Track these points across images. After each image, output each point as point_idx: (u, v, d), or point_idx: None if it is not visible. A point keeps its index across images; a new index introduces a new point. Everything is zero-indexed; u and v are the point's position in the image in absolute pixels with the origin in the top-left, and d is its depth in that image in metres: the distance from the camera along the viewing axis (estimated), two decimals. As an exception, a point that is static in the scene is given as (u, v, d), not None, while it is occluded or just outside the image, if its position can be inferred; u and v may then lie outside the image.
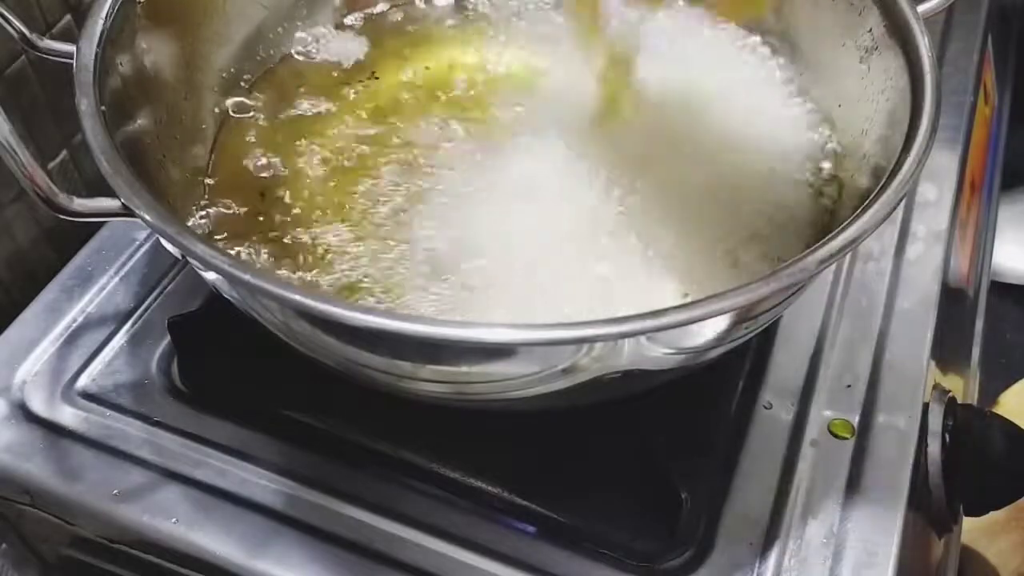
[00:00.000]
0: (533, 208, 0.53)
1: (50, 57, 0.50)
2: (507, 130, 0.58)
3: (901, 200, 0.42)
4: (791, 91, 0.59)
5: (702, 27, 0.62)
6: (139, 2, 0.50)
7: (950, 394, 0.56)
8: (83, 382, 0.55)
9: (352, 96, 0.61)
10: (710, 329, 0.41)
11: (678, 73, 0.59)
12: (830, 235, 0.40)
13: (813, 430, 0.53)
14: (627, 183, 0.53)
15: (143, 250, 0.61)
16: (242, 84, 0.60)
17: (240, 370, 0.54)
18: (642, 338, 0.38)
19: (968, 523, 0.63)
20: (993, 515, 0.56)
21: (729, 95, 0.58)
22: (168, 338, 0.56)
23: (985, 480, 0.53)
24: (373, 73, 0.62)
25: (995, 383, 0.89)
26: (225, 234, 0.53)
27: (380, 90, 0.61)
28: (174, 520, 0.49)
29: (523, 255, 0.50)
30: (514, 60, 0.63)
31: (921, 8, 0.50)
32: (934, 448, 0.53)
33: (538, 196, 0.53)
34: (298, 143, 0.57)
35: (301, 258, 0.51)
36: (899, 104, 0.47)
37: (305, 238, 0.52)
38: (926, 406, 0.54)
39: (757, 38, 0.61)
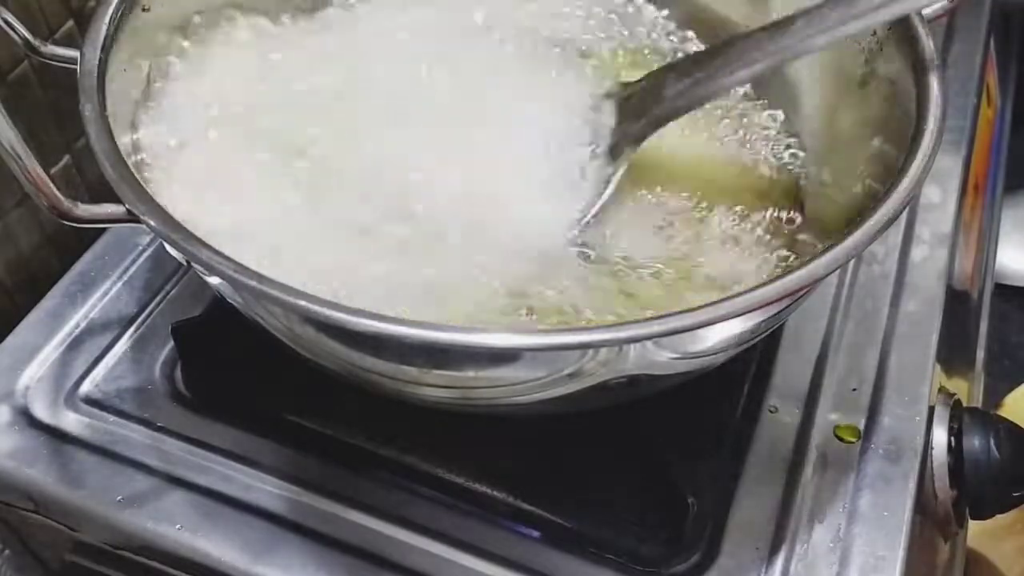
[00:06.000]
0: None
1: (53, 62, 0.50)
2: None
3: (908, 203, 0.41)
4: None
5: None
6: (144, 8, 0.50)
7: (955, 397, 0.56)
8: (86, 388, 0.55)
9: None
10: (716, 333, 0.41)
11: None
12: (837, 239, 0.40)
13: (819, 434, 0.52)
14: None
15: (146, 255, 0.61)
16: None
17: (244, 375, 0.54)
18: (648, 343, 0.38)
19: (973, 526, 0.63)
20: (999, 518, 0.56)
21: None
22: (171, 343, 0.56)
23: (991, 483, 0.53)
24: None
25: (999, 385, 0.89)
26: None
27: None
28: (178, 526, 0.49)
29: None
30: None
31: (926, 11, 0.49)
32: (939, 451, 0.53)
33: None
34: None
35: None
36: (903, 108, 0.47)
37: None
38: (931, 409, 0.54)
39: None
